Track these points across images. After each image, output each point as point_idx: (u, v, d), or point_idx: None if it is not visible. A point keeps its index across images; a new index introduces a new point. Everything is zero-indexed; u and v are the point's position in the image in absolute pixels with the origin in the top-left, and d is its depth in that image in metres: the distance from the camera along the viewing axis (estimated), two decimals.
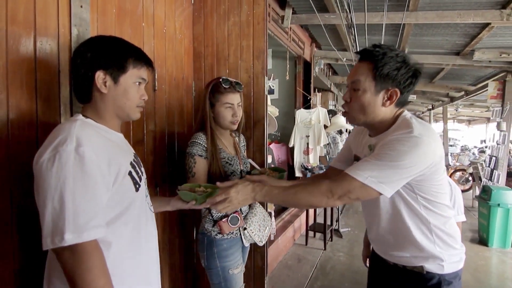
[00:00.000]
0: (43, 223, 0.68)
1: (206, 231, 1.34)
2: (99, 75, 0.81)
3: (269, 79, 4.21)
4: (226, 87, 1.32)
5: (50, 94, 1.02)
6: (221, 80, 1.32)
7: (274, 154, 3.73)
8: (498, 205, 3.44)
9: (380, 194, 0.85)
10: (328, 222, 3.56)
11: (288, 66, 3.86)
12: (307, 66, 4.30)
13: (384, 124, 0.96)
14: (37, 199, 0.71)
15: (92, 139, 0.74)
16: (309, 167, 3.41)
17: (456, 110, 8.61)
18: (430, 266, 0.96)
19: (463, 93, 6.03)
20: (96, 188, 0.71)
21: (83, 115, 0.84)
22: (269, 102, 2.39)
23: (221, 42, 1.73)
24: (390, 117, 0.96)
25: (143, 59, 0.88)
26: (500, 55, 3.47)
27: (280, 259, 3.04)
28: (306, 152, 3.86)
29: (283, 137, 4.15)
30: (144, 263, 0.88)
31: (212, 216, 1.33)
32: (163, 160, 1.56)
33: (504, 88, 4.02)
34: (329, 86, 5.92)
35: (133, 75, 0.85)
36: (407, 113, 0.97)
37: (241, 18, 1.69)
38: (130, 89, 0.85)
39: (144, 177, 0.92)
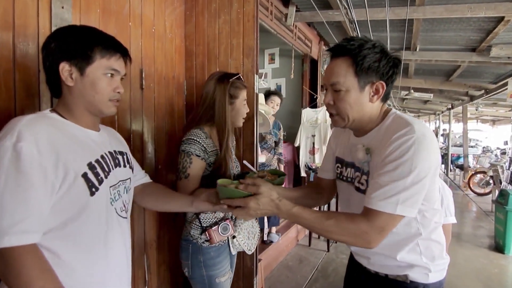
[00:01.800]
0: None
1: (191, 238, 1.24)
2: (64, 67, 0.76)
3: (266, 76, 4.18)
4: (244, 83, 1.31)
5: (29, 94, 1.04)
6: (239, 75, 1.30)
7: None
8: None
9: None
10: None
11: (293, 64, 3.81)
12: (314, 64, 4.22)
13: (373, 121, 0.91)
14: None
15: (39, 135, 0.67)
16: (313, 167, 3.35)
17: (477, 110, 8.18)
18: (415, 275, 0.90)
19: (483, 91, 5.72)
20: (32, 189, 0.65)
21: (51, 110, 0.80)
22: (261, 101, 2.37)
23: (212, 40, 1.73)
24: (377, 113, 0.90)
25: (112, 48, 0.81)
26: None
27: (281, 260, 3.00)
28: (312, 151, 3.80)
29: (289, 137, 4.11)
30: (103, 273, 0.81)
31: (200, 223, 1.23)
32: (151, 159, 1.58)
33: None
34: None
35: (102, 66, 0.79)
36: (394, 109, 0.92)
37: (231, 16, 1.68)
38: (98, 81, 0.79)
39: (114, 179, 0.85)
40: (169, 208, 1.14)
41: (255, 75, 1.65)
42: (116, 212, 0.86)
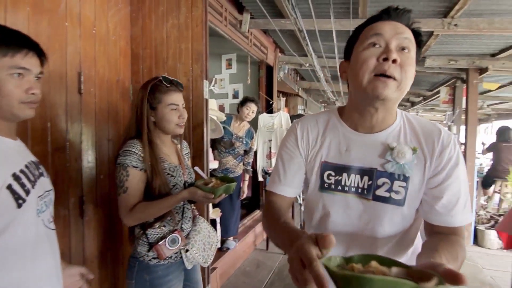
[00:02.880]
0: None
1: (138, 255, 1.15)
2: None
3: (216, 82, 4.20)
4: (168, 85, 1.17)
5: None
6: (161, 78, 1.17)
7: None
8: None
9: None
10: None
11: (250, 70, 3.86)
12: (271, 70, 4.32)
13: (390, 113, 0.73)
14: None
15: None
16: (269, 172, 3.41)
17: (417, 114, 9.07)
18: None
19: (421, 98, 6.34)
20: None
21: None
22: (213, 107, 2.36)
23: (159, 44, 1.68)
24: None
25: (16, 44, 0.72)
26: (449, 62, 3.67)
27: (239, 266, 2.99)
28: (269, 156, 3.87)
29: None
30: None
31: (147, 238, 1.14)
32: (92, 168, 1.48)
33: (455, 94, 4.25)
34: (297, 91, 6.00)
35: (4, 66, 0.70)
36: None
37: (180, 21, 1.65)
38: (4, 83, 0.71)
39: (41, 189, 0.80)
40: None
41: (205, 80, 1.64)
42: (44, 224, 0.81)
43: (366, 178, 0.72)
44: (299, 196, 4.05)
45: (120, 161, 1.10)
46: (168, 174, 1.17)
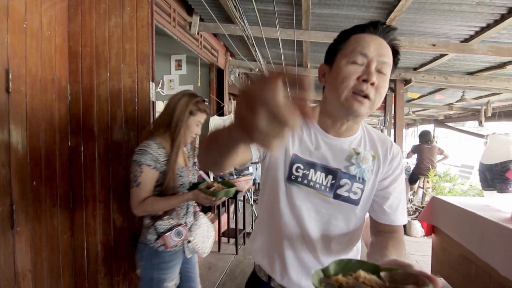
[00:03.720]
0: None
1: (147, 242, 1.29)
2: None
3: (164, 84, 4.12)
4: (206, 108, 1.38)
5: None
6: (203, 98, 1.39)
7: None
8: None
9: None
10: (240, 226, 3.63)
11: (200, 73, 3.85)
12: (221, 73, 4.36)
13: (359, 123, 0.83)
14: None
15: None
16: (221, 173, 3.43)
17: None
18: None
19: None
20: None
21: None
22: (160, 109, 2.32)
23: (101, 43, 1.61)
24: None
25: None
26: None
27: None
28: None
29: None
30: None
31: (156, 229, 1.29)
32: (22, 174, 1.35)
33: (386, 101, 4.78)
34: None
35: None
36: None
37: (124, 20, 1.60)
38: None
39: None
40: None
41: (151, 82, 1.62)
42: None
43: (330, 177, 0.78)
44: (251, 197, 4.15)
45: (136, 158, 1.23)
46: (178, 174, 1.31)
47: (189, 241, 1.35)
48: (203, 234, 1.42)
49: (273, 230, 0.83)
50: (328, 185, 0.78)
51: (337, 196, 0.78)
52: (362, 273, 0.50)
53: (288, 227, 0.80)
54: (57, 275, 1.55)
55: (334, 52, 0.75)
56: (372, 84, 0.69)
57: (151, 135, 1.29)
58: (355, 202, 0.78)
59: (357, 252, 0.89)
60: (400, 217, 0.80)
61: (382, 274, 0.50)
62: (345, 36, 0.74)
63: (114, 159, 1.61)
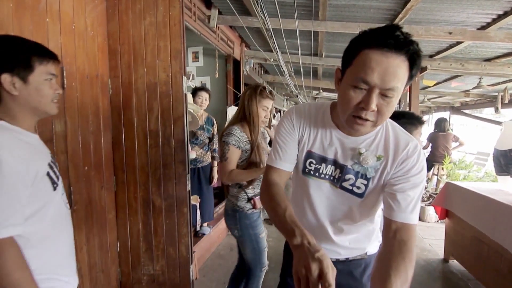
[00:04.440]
0: None
1: (238, 208, 1.58)
2: (6, 78, 0.81)
3: (194, 78, 4.27)
4: (268, 95, 1.64)
5: None
6: (264, 86, 1.65)
7: None
8: None
9: None
10: None
11: (217, 64, 3.97)
12: (237, 64, 4.47)
13: None
14: None
15: (10, 143, 0.78)
16: None
17: None
18: (371, 249, 1.00)
19: None
20: (14, 190, 0.76)
21: None
22: (189, 100, 2.47)
23: (137, 41, 1.76)
24: None
25: (47, 55, 0.88)
26: None
27: (213, 250, 3.17)
28: None
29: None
30: (60, 256, 0.92)
31: (247, 195, 1.59)
32: (77, 160, 1.54)
33: None
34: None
35: (42, 73, 0.86)
36: None
37: (158, 19, 1.74)
38: (42, 87, 0.86)
39: (60, 178, 0.96)
40: None
41: (183, 76, 1.76)
42: (64, 203, 0.97)
43: (338, 170, 0.88)
44: None
45: (225, 139, 1.55)
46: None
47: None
48: None
49: (296, 213, 0.98)
50: (336, 177, 0.88)
51: (342, 188, 0.88)
52: None
53: (305, 212, 0.96)
54: (105, 249, 1.75)
55: (346, 64, 0.75)
56: (373, 110, 0.71)
57: (233, 124, 1.60)
58: (359, 195, 0.87)
59: (368, 233, 0.99)
60: (409, 215, 0.80)
61: None
62: (355, 49, 0.72)
63: (152, 147, 1.78)
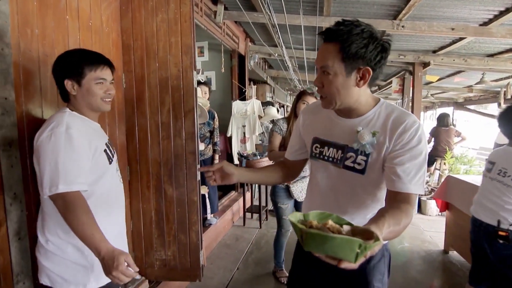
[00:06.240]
0: (42, 180, 0.97)
1: None
2: (67, 83, 1.09)
3: (203, 72, 4.34)
4: (308, 93, 2.21)
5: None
6: (305, 89, 2.27)
7: None
8: None
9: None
10: (263, 204, 3.91)
11: (223, 59, 4.03)
12: (242, 59, 4.53)
13: (363, 105, 0.94)
14: (37, 164, 1.00)
15: (77, 124, 1.05)
16: (245, 154, 3.68)
17: None
18: None
19: (377, 87, 6.99)
20: (80, 157, 1.02)
21: (69, 109, 1.12)
22: (200, 94, 2.55)
23: (150, 36, 1.83)
24: (366, 97, 0.94)
25: (97, 62, 1.12)
26: (399, 56, 4.18)
27: (220, 240, 3.27)
28: (243, 141, 4.14)
29: (221, 127, 4.34)
30: (114, 221, 1.18)
31: None
32: None
33: (404, 84, 4.84)
34: (265, 79, 6.27)
35: (92, 77, 1.10)
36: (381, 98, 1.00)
37: (169, 16, 1.81)
38: (92, 88, 1.10)
39: (115, 155, 1.24)
40: None
41: (194, 71, 1.84)
42: (119, 178, 1.25)
43: (340, 151, 0.97)
44: None
45: (272, 128, 2.25)
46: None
47: (289, 186, 2.25)
48: (301, 186, 2.25)
49: (308, 194, 1.17)
50: (339, 158, 0.98)
51: (345, 167, 0.97)
52: (330, 222, 0.63)
53: (313, 191, 1.10)
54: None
55: None
56: (318, 86, 0.92)
57: (282, 119, 2.27)
58: (360, 171, 0.94)
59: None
60: (408, 185, 0.86)
61: (344, 227, 0.62)
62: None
63: (164, 138, 1.87)
